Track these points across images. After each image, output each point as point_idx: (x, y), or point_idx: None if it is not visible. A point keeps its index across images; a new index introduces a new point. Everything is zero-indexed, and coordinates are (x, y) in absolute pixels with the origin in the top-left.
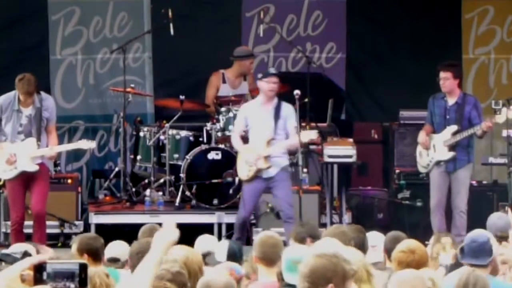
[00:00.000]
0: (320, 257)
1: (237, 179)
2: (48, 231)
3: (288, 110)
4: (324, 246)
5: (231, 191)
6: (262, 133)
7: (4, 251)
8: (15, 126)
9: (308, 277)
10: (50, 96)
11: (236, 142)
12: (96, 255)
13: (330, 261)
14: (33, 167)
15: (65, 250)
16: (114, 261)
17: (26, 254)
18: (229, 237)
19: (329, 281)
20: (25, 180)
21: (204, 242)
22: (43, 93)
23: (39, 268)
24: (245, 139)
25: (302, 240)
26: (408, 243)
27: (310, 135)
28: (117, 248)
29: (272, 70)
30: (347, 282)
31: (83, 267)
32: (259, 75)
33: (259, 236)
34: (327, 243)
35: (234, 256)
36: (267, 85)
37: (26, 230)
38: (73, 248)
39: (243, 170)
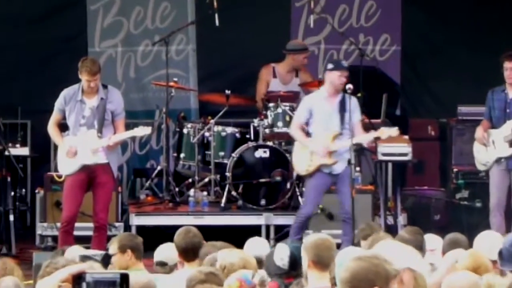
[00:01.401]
0: (361, 259)
1: (296, 177)
2: (86, 233)
3: (354, 104)
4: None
5: (280, 191)
6: (327, 127)
7: (84, 253)
8: (77, 118)
9: (350, 282)
10: (117, 90)
11: (299, 135)
12: (139, 252)
13: (371, 263)
14: (92, 160)
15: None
16: (162, 265)
17: (106, 257)
18: (278, 239)
19: (372, 284)
20: (87, 179)
21: (255, 245)
22: (109, 86)
23: (78, 278)
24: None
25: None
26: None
27: (390, 132)
28: (166, 252)
29: (344, 63)
30: (390, 283)
31: (124, 277)
32: (330, 66)
33: (312, 238)
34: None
35: (295, 261)
36: (339, 78)
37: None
38: (112, 248)
39: (303, 165)
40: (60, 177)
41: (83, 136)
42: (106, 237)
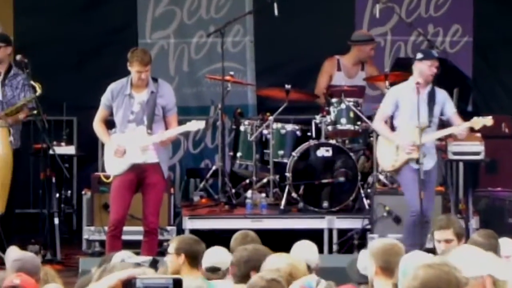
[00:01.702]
0: (430, 267)
1: (360, 177)
2: (135, 237)
3: (444, 95)
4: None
5: (343, 193)
6: (415, 119)
7: (133, 260)
8: (125, 114)
9: None
10: (168, 83)
11: (383, 128)
12: (195, 259)
13: (442, 270)
14: (142, 158)
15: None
16: (213, 270)
17: (154, 263)
18: (341, 244)
19: None
20: (136, 179)
21: (303, 249)
22: (160, 79)
23: (128, 285)
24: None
25: None
26: None
27: (485, 121)
28: (217, 256)
29: (434, 52)
30: None
31: (177, 282)
32: (419, 55)
33: (380, 243)
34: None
35: None
36: (429, 68)
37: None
38: (170, 247)
39: (388, 160)
40: (107, 177)
41: (132, 133)
42: (157, 242)
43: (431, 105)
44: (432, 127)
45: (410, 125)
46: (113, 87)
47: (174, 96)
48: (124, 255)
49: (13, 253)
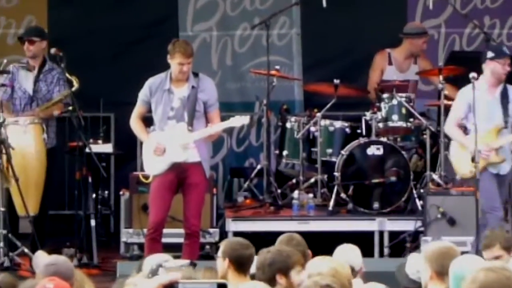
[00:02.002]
0: (491, 270)
1: (413, 177)
2: (176, 240)
3: None
4: None
5: (395, 193)
6: (489, 120)
7: (170, 264)
8: (165, 110)
9: None
10: (210, 78)
11: (457, 133)
12: (240, 264)
13: (503, 274)
14: (183, 157)
15: (199, 264)
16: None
17: (192, 265)
18: (393, 247)
19: None
20: (176, 179)
21: (345, 253)
22: (201, 74)
23: None
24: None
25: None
26: None
27: None
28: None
29: (506, 50)
30: None
31: (222, 287)
32: (490, 54)
33: (435, 246)
34: None
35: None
36: (503, 67)
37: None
38: (219, 250)
39: (466, 166)
40: (146, 178)
41: (172, 131)
42: (199, 245)
43: (505, 104)
44: (508, 128)
45: (483, 127)
46: (151, 82)
47: (216, 91)
48: (160, 259)
49: (42, 258)
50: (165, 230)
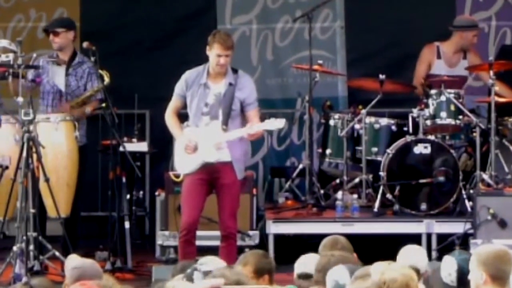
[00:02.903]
0: None
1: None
2: (212, 243)
3: None
4: None
5: (443, 194)
6: None
7: (206, 267)
8: (199, 105)
9: None
10: (249, 76)
11: None
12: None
13: None
14: (215, 157)
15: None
16: (306, 277)
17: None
18: (441, 250)
19: None
20: (209, 179)
21: (411, 255)
22: (240, 71)
23: None
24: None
25: None
26: None
27: None
28: (310, 262)
29: None
30: None
31: None
32: None
33: (490, 249)
34: None
35: (464, 276)
36: None
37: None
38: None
39: None
40: (177, 176)
41: (206, 129)
42: (236, 247)
43: None
44: None
45: None
46: (187, 75)
47: (255, 89)
48: (198, 263)
49: (73, 261)
50: (201, 233)
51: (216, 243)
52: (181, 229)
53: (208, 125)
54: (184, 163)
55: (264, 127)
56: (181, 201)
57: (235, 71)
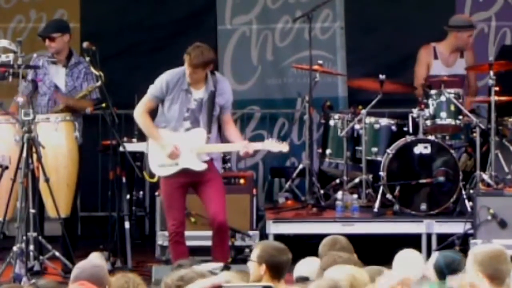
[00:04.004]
0: None
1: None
2: (203, 243)
3: None
4: None
5: (443, 194)
6: None
7: (204, 267)
8: (181, 110)
9: None
10: (225, 78)
11: None
12: (277, 270)
13: None
14: (200, 166)
15: (238, 267)
16: (304, 280)
17: (226, 269)
18: (441, 251)
19: None
20: (187, 179)
21: (407, 259)
22: (218, 74)
23: None
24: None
25: None
26: None
27: None
28: (308, 266)
29: None
30: None
31: None
32: None
33: (487, 249)
34: None
35: (441, 272)
36: None
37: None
38: (253, 253)
39: None
40: (152, 177)
41: (188, 134)
42: (229, 242)
43: None
44: None
45: None
46: (169, 78)
47: (232, 93)
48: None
49: (82, 261)
50: (191, 233)
51: (208, 243)
52: (169, 233)
53: (190, 131)
54: (162, 166)
55: (264, 147)
56: (164, 204)
57: (212, 73)
